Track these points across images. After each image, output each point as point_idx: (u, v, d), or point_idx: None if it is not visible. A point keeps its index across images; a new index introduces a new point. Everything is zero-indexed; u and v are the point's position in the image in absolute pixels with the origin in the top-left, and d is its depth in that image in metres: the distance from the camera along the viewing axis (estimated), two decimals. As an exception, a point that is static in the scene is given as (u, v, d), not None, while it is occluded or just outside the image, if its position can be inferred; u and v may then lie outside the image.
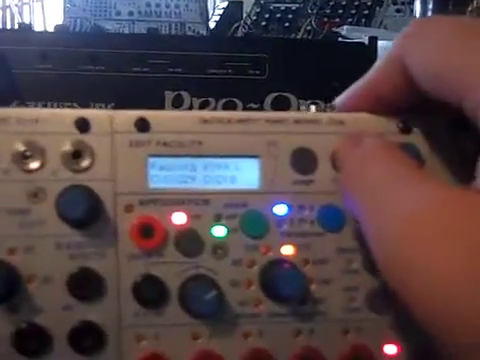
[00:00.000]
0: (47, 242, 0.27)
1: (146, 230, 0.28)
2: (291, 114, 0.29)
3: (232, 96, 0.80)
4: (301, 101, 0.79)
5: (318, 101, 0.79)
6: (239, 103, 0.80)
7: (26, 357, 0.27)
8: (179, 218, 0.28)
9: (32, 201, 0.27)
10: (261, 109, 0.80)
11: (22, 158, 0.27)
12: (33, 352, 0.27)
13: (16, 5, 1.85)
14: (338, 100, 0.30)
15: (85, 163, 0.27)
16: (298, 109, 0.78)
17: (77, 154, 0.27)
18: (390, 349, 0.30)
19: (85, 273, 0.28)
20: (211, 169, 0.29)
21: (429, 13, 0.95)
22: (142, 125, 0.28)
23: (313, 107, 0.32)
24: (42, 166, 0.27)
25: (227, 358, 0.29)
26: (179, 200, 0.28)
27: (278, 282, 0.28)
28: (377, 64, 0.29)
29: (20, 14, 1.86)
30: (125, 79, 0.80)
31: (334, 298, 0.29)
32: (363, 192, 0.25)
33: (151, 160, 0.28)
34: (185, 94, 0.80)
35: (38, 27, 1.75)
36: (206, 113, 0.29)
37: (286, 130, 0.29)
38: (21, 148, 0.27)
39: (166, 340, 0.28)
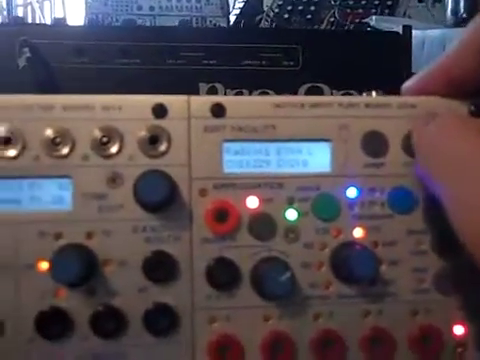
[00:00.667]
0: (124, 226, 0.28)
1: (220, 214, 0.28)
2: (362, 98, 0.30)
3: (266, 87, 0.80)
4: (334, 91, 0.79)
5: (352, 91, 0.79)
6: (273, 94, 0.80)
7: (103, 339, 0.28)
8: (253, 202, 0.29)
9: (110, 186, 0.28)
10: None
11: (100, 144, 0.28)
12: (109, 334, 0.28)
13: (37, 1, 1.86)
14: (406, 85, 0.31)
15: (161, 148, 0.28)
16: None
17: (154, 139, 0.28)
18: (459, 330, 0.30)
19: (160, 256, 0.28)
20: (284, 153, 0.29)
21: (462, 1, 0.94)
22: (218, 110, 0.28)
23: (374, 93, 0.32)
24: (120, 151, 0.28)
25: (297, 339, 0.29)
26: (253, 184, 0.29)
27: (350, 263, 0.28)
28: (449, 49, 0.29)
29: (41, 10, 1.87)
30: (160, 72, 0.80)
31: (403, 279, 0.30)
32: (443, 169, 0.25)
33: (226, 145, 0.29)
34: (219, 86, 0.80)
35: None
36: (280, 98, 0.29)
37: (357, 114, 0.29)
38: (99, 134, 0.28)
39: (237, 322, 0.29)
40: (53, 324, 0.28)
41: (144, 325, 0.28)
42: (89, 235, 0.28)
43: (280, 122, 0.29)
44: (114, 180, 0.28)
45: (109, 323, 0.28)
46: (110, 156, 0.28)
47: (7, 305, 0.28)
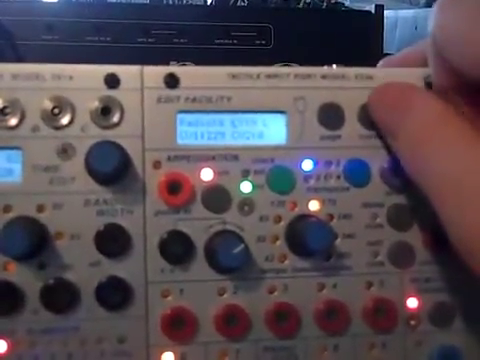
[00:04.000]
0: (75, 199, 0.28)
1: (174, 186, 0.28)
2: (319, 69, 0.29)
3: (237, 66, 0.80)
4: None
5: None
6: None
7: (54, 313, 0.28)
8: (207, 174, 0.28)
9: (61, 158, 0.27)
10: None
11: (51, 115, 0.27)
12: (61, 308, 0.28)
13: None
14: (381, 63, 0.31)
15: (114, 119, 0.28)
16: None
17: (106, 110, 0.27)
18: (412, 302, 0.30)
19: (112, 229, 0.28)
20: (239, 125, 0.29)
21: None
22: (171, 81, 0.28)
23: (334, 66, 0.32)
24: (71, 122, 0.27)
25: (252, 313, 0.29)
26: (208, 156, 0.28)
27: (305, 236, 0.28)
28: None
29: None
30: (131, 50, 0.79)
31: (358, 252, 0.30)
32: (443, 181, 0.24)
33: (180, 116, 0.28)
34: (190, 65, 0.79)
35: None
36: (235, 68, 0.29)
37: (313, 85, 0.29)
38: (50, 105, 0.27)
39: (191, 296, 0.29)
40: (2, 298, 0.27)
41: (97, 299, 0.28)
42: (40, 208, 0.27)
43: (235, 93, 0.28)
44: (66, 152, 0.27)
45: (61, 297, 0.28)
46: (61, 127, 0.27)
47: None
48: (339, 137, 0.29)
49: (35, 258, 0.27)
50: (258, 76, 0.29)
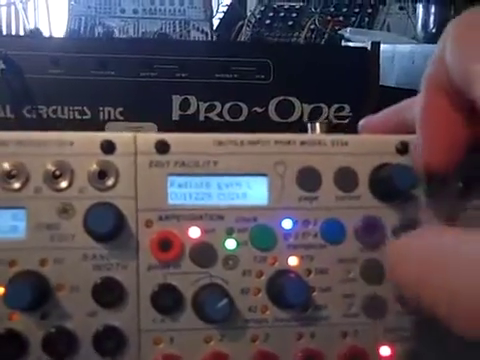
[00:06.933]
0: (75, 254, 0.30)
1: (164, 243, 0.30)
2: (298, 136, 0.32)
3: (237, 100, 0.82)
4: (304, 105, 0.82)
5: (321, 105, 0.81)
6: (244, 107, 0.82)
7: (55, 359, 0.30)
8: (195, 232, 0.31)
9: (62, 217, 0.30)
10: (266, 113, 0.82)
11: (53, 177, 0.30)
12: (61, 355, 0.30)
13: (21, 1, 1.85)
14: (362, 122, 0.33)
15: (109, 182, 0.30)
16: (301, 113, 0.81)
17: (103, 174, 0.30)
18: (385, 351, 0.32)
19: (108, 282, 0.30)
20: (225, 187, 0.31)
21: (432, 16, 0.97)
22: (162, 147, 0.31)
23: (318, 125, 0.34)
24: (70, 185, 0.30)
25: (236, 359, 0.31)
26: (195, 215, 0.31)
27: (284, 291, 0.30)
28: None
29: (25, 10, 1.86)
30: (134, 84, 0.82)
31: (334, 304, 0.32)
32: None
33: (170, 179, 0.31)
34: (192, 98, 0.82)
35: (43, 24, 1.79)
36: (221, 136, 0.31)
37: (293, 151, 0.31)
38: (52, 168, 0.30)
39: (180, 343, 0.31)
40: (8, 346, 0.30)
41: (94, 346, 0.30)
42: (42, 262, 0.30)
43: (221, 158, 0.31)
44: (66, 211, 0.30)
45: (61, 344, 0.30)
46: (62, 189, 0.30)
47: None
48: (316, 198, 0.32)
49: (38, 308, 0.30)
50: (242, 142, 0.31)
